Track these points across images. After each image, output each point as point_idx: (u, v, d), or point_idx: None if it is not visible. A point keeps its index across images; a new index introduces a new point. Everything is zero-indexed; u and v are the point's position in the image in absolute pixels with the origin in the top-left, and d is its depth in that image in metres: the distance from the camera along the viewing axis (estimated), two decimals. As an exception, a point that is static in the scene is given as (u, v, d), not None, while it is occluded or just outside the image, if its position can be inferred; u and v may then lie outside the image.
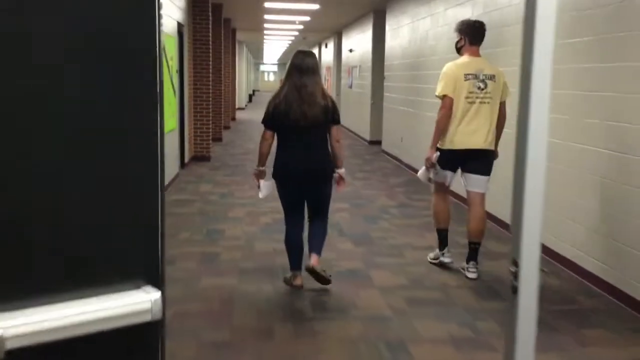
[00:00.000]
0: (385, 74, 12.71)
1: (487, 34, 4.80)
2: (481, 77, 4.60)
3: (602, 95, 4.57)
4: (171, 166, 8.51)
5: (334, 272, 4.70)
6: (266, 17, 16.39)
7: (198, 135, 11.02)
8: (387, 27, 12.51)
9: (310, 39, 25.41)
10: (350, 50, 17.72)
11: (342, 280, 4.63)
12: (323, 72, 24.74)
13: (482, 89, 4.60)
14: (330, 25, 18.62)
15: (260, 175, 4.44)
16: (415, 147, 10.00)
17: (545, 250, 5.01)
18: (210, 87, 11.16)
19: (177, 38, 8.81)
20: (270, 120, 4.21)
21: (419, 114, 9.86)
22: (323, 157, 4.27)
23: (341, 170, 4.34)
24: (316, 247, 4.35)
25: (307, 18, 16.36)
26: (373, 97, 14.26)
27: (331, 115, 4.20)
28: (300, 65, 4.18)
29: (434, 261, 5.07)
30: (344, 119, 18.45)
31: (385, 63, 12.69)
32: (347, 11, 14.77)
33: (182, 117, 9.84)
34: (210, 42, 11.06)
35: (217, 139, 14.04)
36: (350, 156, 12.26)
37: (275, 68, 63.94)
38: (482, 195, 4.74)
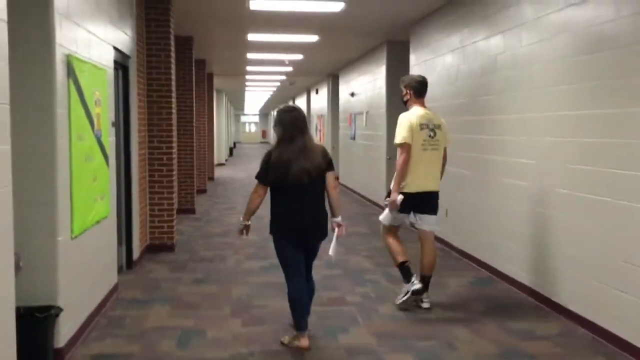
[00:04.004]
0: (410, 121, 9.56)
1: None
2: (431, 127, 5.08)
3: None
4: (99, 281, 5.12)
5: None
6: (249, 56, 13.27)
7: (156, 214, 7.65)
8: (413, 60, 9.41)
9: (299, 85, 22.43)
10: (352, 94, 14.65)
11: None
12: (314, 121, 21.99)
13: (433, 137, 5.08)
14: (325, 65, 15.58)
15: (245, 231, 4.34)
16: (479, 226, 6.75)
17: None
18: (174, 144, 7.88)
19: (111, 73, 5.53)
20: (266, 178, 4.20)
21: (482, 178, 6.66)
22: (323, 208, 4.30)
23: (338, 219, 4.31)
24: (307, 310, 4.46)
25: (300, 56, 13.30)
26: (390, 151, 11.07)
27: (327, 163, 4.24)
28: (294, 121, 4.20)
29: (404, 299, 5.10)
30: (345, 177, 15.43)
31: (410, 107, 9.56)
32: (351, 43, 11.71)
33: (127, 194, 6.49)
34: (173, 82, 7.83)
35: (188, 211, 10.72)
36: (363, 232, 8.93)
37: (256, 119, 60.88)
38: (433, 233, 5.25)
